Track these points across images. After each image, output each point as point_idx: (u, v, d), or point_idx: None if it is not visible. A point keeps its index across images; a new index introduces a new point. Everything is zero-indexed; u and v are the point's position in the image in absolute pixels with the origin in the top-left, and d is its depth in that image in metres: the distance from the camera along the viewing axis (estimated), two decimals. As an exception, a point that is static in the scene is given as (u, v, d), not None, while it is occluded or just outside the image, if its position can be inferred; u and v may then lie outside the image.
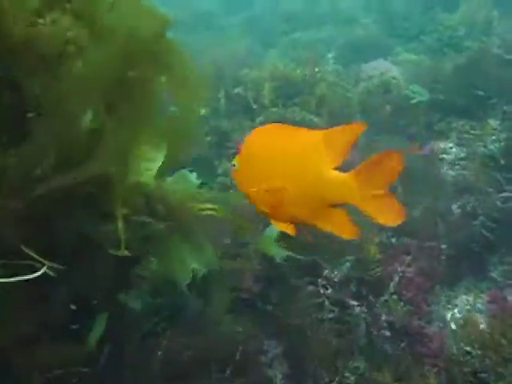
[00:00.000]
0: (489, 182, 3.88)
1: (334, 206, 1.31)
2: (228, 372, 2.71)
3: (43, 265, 1.73)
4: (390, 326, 3.10)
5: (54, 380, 1.98)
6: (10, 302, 1.79)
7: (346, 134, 1.26)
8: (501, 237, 3.75)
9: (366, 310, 3.10)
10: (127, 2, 1.84)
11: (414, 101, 4.90)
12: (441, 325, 3.30)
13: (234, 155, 1.42)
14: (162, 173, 2.18)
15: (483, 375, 2.62)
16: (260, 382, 2.91)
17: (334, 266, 3.16)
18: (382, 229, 3.52)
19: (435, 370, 2.88)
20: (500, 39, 5.17)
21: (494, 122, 4.31)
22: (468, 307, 3.50)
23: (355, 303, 3.10)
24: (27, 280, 1.68)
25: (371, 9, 8.00)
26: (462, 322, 3.22)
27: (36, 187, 1.75)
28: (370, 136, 4.55)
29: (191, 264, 2.31)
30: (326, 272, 3.13)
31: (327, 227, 1.32)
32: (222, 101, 4.59)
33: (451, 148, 4.45)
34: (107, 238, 2.06)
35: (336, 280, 3.12)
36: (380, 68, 5.34)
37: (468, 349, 2.72)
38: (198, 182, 2.40)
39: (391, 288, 3.17)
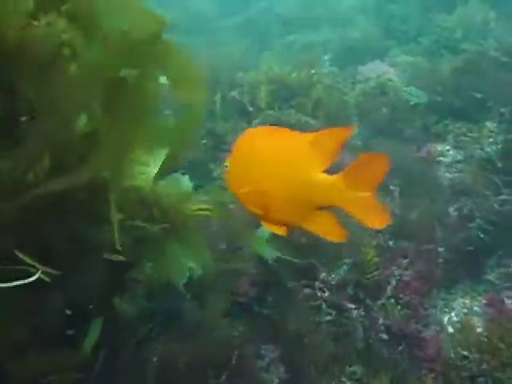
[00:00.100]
0: (486, 184, 3.86)
1: (322, 208, 1.31)
2: (224, 377, 2.69)
3: (37, 270, 1.72)
4: (388, 329, 3.09)
5: (48, 386, 1.96)
6: (4, 307, 1.78)
7: (334, 137, 1.27)
8: (498, 239, 3.73)
9: (363, 314, 3.09)
10: (124, 3, 1.84)
11: (411, 103, 4.89)
12: (438, 328, 3.28)
13: (227, 156, 1.43)
14: (160, 176, 2.18)
15: (481, 380, 2.61)
16: (256, 386, 2.90)
17: (331, 269, 3.15)
18: (379, 231, 3.51)
19: (432, 374, 2.87)
20: (497, 42, 5.16)
21: (491, 125, 4.30)
22: (465, 310, 3.49)
23: (352, 306, 3.08)
24: (21, 285, 1.67)
25: (368, 11, 7.99)
26: (459, 325, 3.20)
27: (29, 192, 1.74)
28: (366, 138, 4.55)
29: (187, 264, 2.31)
30: (323, 275, 3.12)
31: (315, 229, 1.32)
32: (218, 104, 4.57)
33: (448, 150, 4.44)
34: (102, 243, 2.05)
35: (333, 283, 3.11)
36: (377, 70, 5.34)
37: (465, 353, 2.71)
38: (191, 185, 2.38)
39: (388, 292, 3.15)
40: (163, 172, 2.14)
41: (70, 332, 2.11)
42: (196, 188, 2.41)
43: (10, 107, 1.69)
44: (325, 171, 1.29)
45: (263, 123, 4.23)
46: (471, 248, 3.67)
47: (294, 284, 3.12)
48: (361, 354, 3.02)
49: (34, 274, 1.70)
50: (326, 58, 5.96)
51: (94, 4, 1.79)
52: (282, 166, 1.31)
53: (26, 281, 1.67)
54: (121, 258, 2.07)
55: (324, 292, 3.08)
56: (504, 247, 3.76)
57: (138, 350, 2.50)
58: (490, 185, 3.86)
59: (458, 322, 3.37)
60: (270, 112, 4.48)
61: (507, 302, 3.38)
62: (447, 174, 4.21)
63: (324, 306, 3.06)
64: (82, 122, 1.90)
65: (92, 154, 1.84)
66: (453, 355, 2.78)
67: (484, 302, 3.48)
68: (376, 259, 3.22)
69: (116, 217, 2.01)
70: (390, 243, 3.48)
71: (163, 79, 2.01)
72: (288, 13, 8.76)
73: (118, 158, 1.97)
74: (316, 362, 2.90)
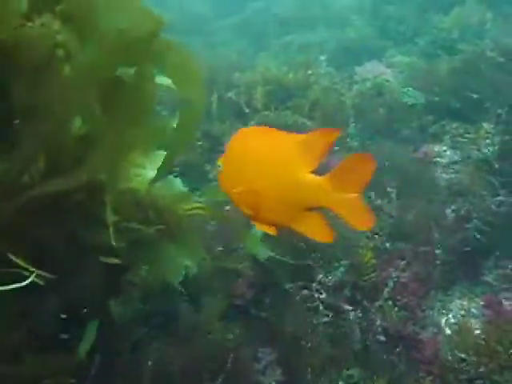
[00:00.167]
0: (483, 185, 3.85)
1: (311, 209, 1.33)
2: (220, 380, 2.68)
3: (32, 273, 1.71)
4: (385, 331, 3.08)
5: (43, 391, 1.95)
6: (-2, 310, 1.78)
7: (321, 139, 1.29)
8: (495, 240, 3.72)
9: (360, 315, 3.08)
10: (121, 2, 1.83)
11: (408, 103, 4.87)
12: (435, 330, 3.27)
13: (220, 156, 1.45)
14: (158, 178, 2.18)
15: (479, 382, 2.60)
16: (253, 389, 2.89)
17: (328, 271, 3.13)
18: (376, 233, 3.51)
19: (430, 377, 2.86)
20: (493, 42, 5.15)
21: (488, 126, 4.28)
22: (463, 312, 3.48)
23: (349, 308, 3.07)
24: (16, 288, 1.66)
25: (364, 11, 7.97)
26: (456, 327, 3.19)
27: (24, 193, 1.72)
28: (363, 139, 4.54)
29: (182, 262, 2.32)
30: (320, 277, 3.10)
31: (304, 230, 1.35)
32: (215, 105, 4.56)
33: (445, 151, 4.43)
34: (97, 245, 2.04)
35: (330, 284, 3.10)
36: (374, 71, 5.33)
37: (463, 355, 2.70)
38: (185, 188, 2.39)
39: (385, 293, 3.14)
40: (161, 173, 2.14)
41: (64, 336, 2.10)
42: (191, 190, 2.40)
43: (4, 108, 1.68)
44: (315, 172, 1.31)
45: (259, 124, 4.22)
46: (468, 249, 3.66)
47: (290, 285, 3.11)
48: (358, 356, 3.01)
49: (28, 277, 1.69)
50: (322, 58, 5.93)
51: (90, 3, 1.79)
52: (273, 167, 1.34)
53: (20, 284, 1.67)
54: (116, 260, 2.06)
55: (321, 294, 3.07)
56: (501, 248, 3.75)
57: (134, 353, 2.49)
58: (487, 186, 3.85)
59: (455, 323, 3.36)
60: (267, 113, 4.47)
61: (505, 303, 3.37)
62: (444, 175, 4.20)
63: (321, 307, 3.04)
64: (77, 123, 1.89)
65: (88, 156, 1.83)
66: (450, 358, 2.77)
67: (482, 303, 3.47)
68: (373, 261, 3.21)
69: (112, 219, 2.01)
70: (387, 245, 3.47)
71: (160, 79, 2.01)
72: (285, 13, 8.75)
73: (115, 160, 1.97)
74: (313, 364, 2.89)
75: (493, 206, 3.72)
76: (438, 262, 3.48)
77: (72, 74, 1.73)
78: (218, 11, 9.69)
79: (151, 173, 2.17)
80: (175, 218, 2.24)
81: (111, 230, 1.96)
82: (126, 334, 2.51)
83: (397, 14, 7.32)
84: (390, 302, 3.15)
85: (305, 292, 3.08)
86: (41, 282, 1.73)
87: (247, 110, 4.59)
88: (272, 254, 2.95)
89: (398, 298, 3.19)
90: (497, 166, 3.94)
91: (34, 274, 1.71)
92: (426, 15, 6.94)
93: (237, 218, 2.49)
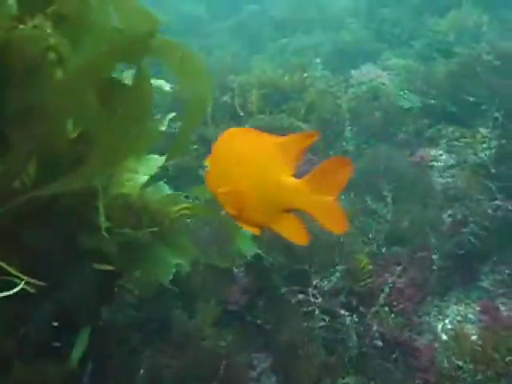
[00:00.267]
0: (479, 190, 3.83)
1: (290, 210, 1.35)
2: (213, 387, 2.66)
3: (22, 280, 1.68)
4: (381, 337, 3.06)
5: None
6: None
7: (299, 142, 1.31)
8: (492, 245, 3.70)
9: (357, 320, 3.05)
10: (118, 2, 1.83)
11: (404, 107, 4.85)
12: (432, 336, 3.24)
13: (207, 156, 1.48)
14: (151, 182, 2.19)
15: (476, 390, 2.58)
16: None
17: (324, 276, 3.11)
18: (372, 238, 3.49)
19: (426, 385, 2.84)
20: (489, 45, 5.14)
21: (484, 130, 4.26)
22: (459, 318, 3.45)
23: (346, 313, 3.05)
24: (6, 296, 1.64)
25: (359, 14, 7.96)
26: (453, 333, 3.17)
27: (16, 198, 1.70)
28: (359, 143, 4.52)
29: (173, 261, 2.31)
30: (315, 281, 3.08)
31: (282, 231, 1.36)
32: (209, 108, 4.52)
33: (441, 155, 4.41)
34: (90, 250, 2.03)
35: (326, 289, 3.07)
36: (370, 74, 5.30)
37: (460, 363, 2.67)
38: (174, 192, 2.40)
39: (381, 299, 3.12)
40: (154, 177, 2.15)
41: (57, 343, 2.08)
42: (185, 197, 2.40)
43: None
44: (299, 174, 1.33)
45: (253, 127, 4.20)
46: (465, 254, 3.64)
47: (286, 290, 3.08)
48: (354, 363, 2.98)
49: (19, 284, 1.67)
50: (318, 61, 5.91)
51: (84, 3, 1.77)
52: (255, 168, 1.35)
53: (9, 292, 1.64)
54: (109, 267, 2.06)
55: (317, 298, 3.04)
56: (498, 253, 3.74)
57: (126, 361, 2.46)
58: (483, 190, 3.83)
59: (451, 329, 3.33)
60: (262, 116, 4.45)
61: (502, 309, 3.35)
62: (440, 179, 4.18)
63: (317, 311, 3.02)
64: (70, 126, 1.87)
65: (84, 160, 1.81)
66: (447, 365, 2.75)
67: (478, 309, 3.45)
68: (370, 267, 3.18)
69: (104, 224, 1.99)
70: (383, 250, 3.45)
71: (153, 81, 1.99)
72: (280, 16, 8.75)
73: (111, 164, 1.96)
74: (309, 371, 2.86)
75: (489, 211, 3.70)
76: (435, 268, 3.46)
77: (65, 76, 1.71)
78: (213, 14, 9.68)
79: (143, 177, 2.17)
80: (167, 221, 2.24)
81: (104, 234, 1.95)
82: (119, 341, 2.48)
83: (392, 16, 7.31)
84: (387, 308, 3.13)
85: (300, 296, 3.06)
86: (32, 290, 1.71)
87: (242, 114, 4.56)
88: (259, 251, 2.94)
89: (394, 303, 3.17)
90: (493, 170, 3.92)
91: (24, 282, 1.68)
92: (422, 18, 6.93)
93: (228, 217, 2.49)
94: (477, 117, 4.49)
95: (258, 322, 3.06)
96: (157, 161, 2.31)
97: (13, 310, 1.82)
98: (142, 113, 1.91)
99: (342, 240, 3.18)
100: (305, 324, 2.98)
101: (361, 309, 3.09)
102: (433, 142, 4.57)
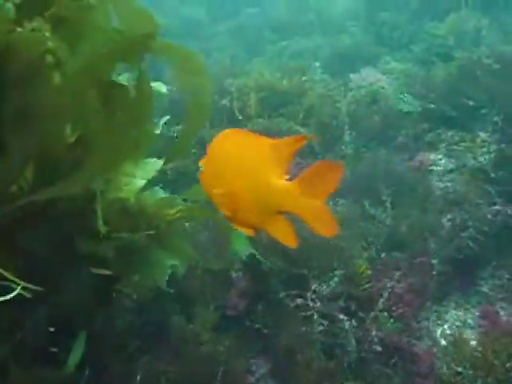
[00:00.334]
0: (479, 194, 3.82)
1: (282, 212, 1.36)
2: (211, 394, 2.64)
3: (19, 285, 1.67)
4: (380, 342, 3.04)
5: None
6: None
7: (289, 145, 1.31)
8: (491, 250, 3.70)
9: (355, 325, 3.04)
10: (118, 3, 1.82)
11: (404, 110, 4.84)
12: (431, 342, 3.23)
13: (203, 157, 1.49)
14: (148, 186, 2.18)
15: (475, 397, 2.56)
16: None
17: (323, 281, 3.10)
18: (371, 242, 3.48)
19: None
20: (489, 49, 5.14)
21: (483, 134, 4.26)
22: (458, 323, 3.44)
23: (344, 318, 3.03)
24: (3, 301, 1.63)
25: (359, 18, 7.96)
26: (452, 338, 3.16)
27: (13, 203, 1.69)
28: (358, 147, 4.51)
29: (169, 262, 2.31)
30: (314, 286, 3.06)
31: (273, 233, 1.37)
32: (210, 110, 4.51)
33: (440, 160, 4.40)
34: (88, 255, 2.02)
35: (324, 294, 3.06)
36: (369, 77, 5.30)
37: (459, 369, 2.66)
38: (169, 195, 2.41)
39: (380, 305, 3.10)
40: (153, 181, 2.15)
41: (54, 349, 2.07)
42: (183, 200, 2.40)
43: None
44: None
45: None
46: (464, 259, 3.63)
47: (284, 294, 3.07)
48: (353, 368, 2.96)
49: (16, 289, 1.66)
50: (317, 64, 5.91)
51: (84, 4, 1.77)
52: (247, 169, 1.36)
53: (6, 297, 1.64)
54: (107, 272, 2.05)
55: (316, 303, 3.03)
56: (497, 258, 3.73)
57: (123, 367, 2.45)
58: (483, 194, 3.82)
59: (451, 334, 3.32)
60: (260, 120, 4.44)
61: (501, 313, 3.34)
62: (440, 184, 4.17)
63: (316, 316, 3.00)
64: (69, 130, 1.86)
65: (82, 164, 1.80)
66: (446, 371, 2.73)
67: (477, 314, 3.44)
68: (368, 271, 3.17)
69: (102, 228, 1.99)
70: (382, 255, 3.44)
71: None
72: (279, 19, 8.75)
73: (110, 168, 1.95)
74: (308, 376, 2.85)
75: (489, 216, 3.69)
76: (434, 273, 3.44)
77: (64, 79, 1.70)
78: (212, 17, 9.69)
79: (140, 181, 2.16)
80: (164, 224, 2.23)
81: (102, 238, 1.95)
82: (117, 347, 2.46)
83: (392, 20, 7.31)
84: (386, 313, 3.11)
85: (299, 301, 3.04)
86: (28, 295, 1.70)
87: (240, 117, 4.55)
88: (256, 254, 2.93)
89: (393, 308, 3.15)
90: (493, 174, 3.91)
91: (20, 287, 1.67)
92: (421, 22, 6.94)
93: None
94: (476, 121, 4.49)
95: (257, 326, 3.04)
96: (155, 164, 2.30)
97: (9, 314, 1.81)
98: (142, 115, 1.91)
99: (340, 244, 3.17)
100: (303, 328, 2.96)
101: (360, 314, 3.07)
102: (432, 146, 4.57)
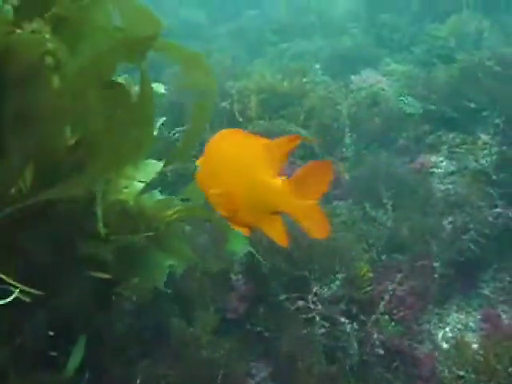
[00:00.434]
0: (480, 196, 3.81)
1: (276, 212, 1.36)
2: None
3: (18, 288, 1.67)
4: (381, 345, 3.02)
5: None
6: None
7: (282, 146, 1.31)
8: (493, 253, 3.69)
9: (357, 327, 3.02)
10: (121, 4, 1.82)
11: (406, 112, 4.83)
12: (433, 345, 3.22)
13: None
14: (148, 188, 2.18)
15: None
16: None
17: (324, 283, 3.08)
18: (372, 244, 3.47)
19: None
20: (490, 51, 5.13)
21: (485, 136, 4.25)
22: (460, 326, 3.43)
23: (346, 321, 3.02)
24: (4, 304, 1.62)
25: (360, 19, 7.97)
26: (453, 341, 3.14)
27: (12, 205, 1.68)
28: (359, 149, 4.51)
29: (167, 262, 2.32)
30: (315, 289, 3.05)
31: (268, 232, 1.38)
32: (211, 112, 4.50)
33: (442, 162, 4.39)
34: (87, 257, 2.02)
35: (326, 297, 3.04)
36: (370, 79, 5.29)
37: (461, 373, 2.64)
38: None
39: (381, 307, 3.09)
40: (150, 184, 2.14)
41: (53, 353, 2.06)
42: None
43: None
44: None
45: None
46: (465, 262, 3.62)
47: (285, 297, 3.06)
48: (355, 371, 2.95)
49: (15, 292, 1.66)
50: (317, 66, 5.91)
51: (85, 4, 1.76)
52: (242, 169, 1.36)
53: (5, 301, 1.63)
54: (107, 275, 2.05)
55: (317, 305, 3.02)
56: (499, 261, 3.72)
57: (123, 370, 2.44)
58: (484, 197, 3.81)
59: (452, 337, 3.31)
60: (261, 122, 4.43)
61: (503, 317, 3.33)
62: (441, 186, 4.16)
63: (317, 318, 2.99)
64: (69, 132, 1.85)
65: (84, 166, 1.79)
66: (448, 374, 2.72)
67: (479, 317, 3.43)
68: (370, 274, 3.16)
69: (103, 230, 1.98)
70: (383, 257, 3.43)
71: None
72: (279, 21, 8.76)
73: (111, 169, 1.94)
74: (309, 381, 2.83)
75: (490, 218, 3.69)
76: (435, 275, 3.43)
77: (64, 80, 1.70)
78: (213, 19, 9.70)
79: (140, 184, 2.16)
80: (163, 225, 2.24)
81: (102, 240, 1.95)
82: (116, 351, 2.45)
83: (392, 22, 7.32)
84: (387, 317, 3.10)
85: (300, 303, 3.03)
86: (26, 299, 1.69)
87: (241, 119, 4.54)
88: (251, 248, 2.92)
89: (395, 311, 3.14)
90: (494, 176, 3.91)
91: (19, 290, 1.67)
92: (422, 24, 6.93)
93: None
94: (478, 123, 4.49)
95: (258, 329, 3.03)
96: (155, 166, 2.29)
97: (9, 318, 1.80)
98: (144, 116, 1.90)
99: (342, 247, 3.15)
100: (304, 331, 2.95)
101: (361, 317, 3.06)
102: (433, 149, 4.55)
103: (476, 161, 4.10)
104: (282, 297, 3.05)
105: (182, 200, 2.39)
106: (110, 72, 1.80)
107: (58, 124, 1.74)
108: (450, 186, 4.10)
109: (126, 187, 2.17)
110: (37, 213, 1.79)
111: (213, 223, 2.97)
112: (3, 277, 1.66)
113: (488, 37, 6.28)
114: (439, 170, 4.31)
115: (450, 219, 3.75)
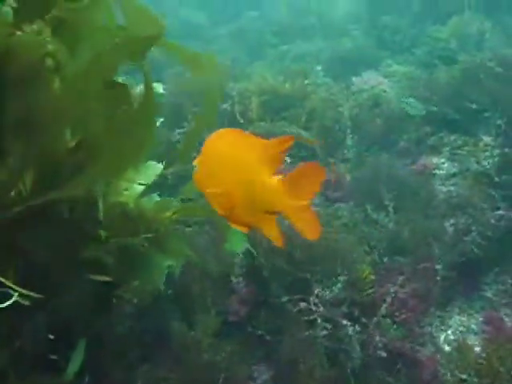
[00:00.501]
0: (482, 198, 3.80)
1: (272, 212, 1.37)
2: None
3: (20, 293, 1.66)
4: (383, 348, 3.01)
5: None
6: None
7: (276, 146, 1.32)
8: (495, 255, 3.68)
9: (359, 330, 3.01)
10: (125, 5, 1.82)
11: (410, 113, 4.82)
12: (435, 348, 3.21)
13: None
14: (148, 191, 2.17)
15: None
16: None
17: (326, 286, 3.07)
18: (374, 247, 3.46)
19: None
20: (492, 52, 5.12)
21: (487, 138, 4.24)
22: (462, 328, 3.42)
23: (348, 323, 3.00)
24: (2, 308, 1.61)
25: (361, 21, 7.97)
26: (456, 344, 3.13)
27: (13, 207, 1.68)
28: (360, 151, 4.50)
29: (166, 263, 2.31)
30: (317, 291, 3.04)
31: (265, 232, 1.38)
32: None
33: (443, 163, 4.38)
34: (88, 260, 2.01)
35: (327, 299, 3.03)
36: (371, 81, 5.28)
37: (463, 376, 2.63)
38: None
39: (383, 310, 3.08)
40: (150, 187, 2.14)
41: (53, 356, 2.06)
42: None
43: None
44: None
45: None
46: (467, 264, 3.61)
47: (287, 299, 3.05)
48: (356, 374, 2.94)
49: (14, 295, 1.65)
50: (319, 68, 5.91)
51: (85, 5, 1.76)
52: (241, 168, 1.37)
53: (4, 305, 1.62)
54: (107, 278, 2.04)
55: (319, 307, 3.00)
56: (501, 263, 3.71)
57: (123, 374, 2.43)
58: (486, 199, 3.80)
59: (454, 340, 3.30)
60: (262, 123, 4.42)
61: (506, 319, 3.32)
62: (443, 188, 4.14)
63: (319, 320, 2.98)
64: (69, 134, 1.84)
65: (85, 168, 1.78)
66: (450, 378, 2.71)
67: (481, 319, 3.41)
68: (372, 277, 3.15)
69: (104, 233, 1.98)
70: (385, 259, 3.42)
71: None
72: (280, 22, 8.75)
73: (113, 171, 1.94)
74: (310, 384, 2.83)
75: (492, 220, 3.68)
76: (438, 278, 3.42)
77: (65, 82, 1.69)
78: (214, 20, 9.70)
79: (140, 187, 2.16)
80: (163, 226, 2.24)
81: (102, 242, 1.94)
82: (117, 354, 2.44)
83: (393, 23, 7.31)
84: (389, 319, 3.09)
85: (302, 305, 3.02)
86: (26, 302, 1.68)
87: (242, 121, 4.53)
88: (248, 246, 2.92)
89: (396, 314, 3.13)
90: (496, 178, 3.90)
91: (19, 294, 1.66)
92: (423, 25, 6.93)
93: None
94: (479, 124, 4.47)
95: (259, 332, 3.02)
96: (155, 168, 2.29)
97: (8, 321, 1.79)
98: (146, 117, 1.89)
99: (343, 249, 3.14)
100: (306, 333, 2.93)
101: (363, 319, 3.05)
102: (435, 150, 4.54)
103: (478, 162, 4.09)
104: (284, 299, 3.04)
105: (182, 200, 2.38)
106: (112, 72, 1.79)
107: (58, 126, 1.73)
108: (452, 188, 4.09)
109: (126, 189, 2.16)
110: (37, 213, 1.78)
111: (212, 222, 2.97)
112: (3, 280, 1.66)
113: (490, 38, 6.27)
114: (441, 172, 4.30)
115: (451, 221, 3.74)
